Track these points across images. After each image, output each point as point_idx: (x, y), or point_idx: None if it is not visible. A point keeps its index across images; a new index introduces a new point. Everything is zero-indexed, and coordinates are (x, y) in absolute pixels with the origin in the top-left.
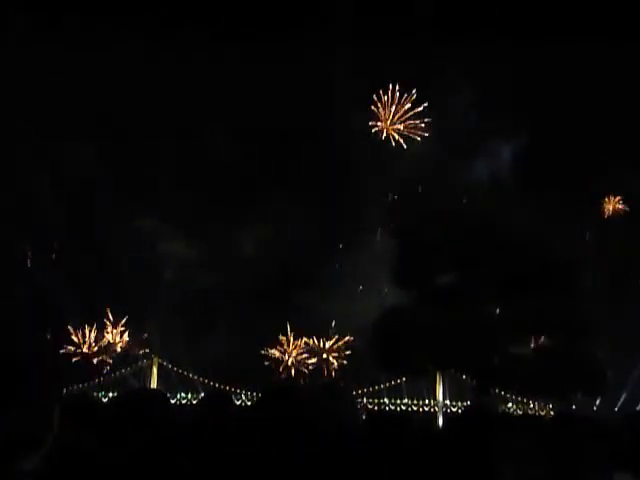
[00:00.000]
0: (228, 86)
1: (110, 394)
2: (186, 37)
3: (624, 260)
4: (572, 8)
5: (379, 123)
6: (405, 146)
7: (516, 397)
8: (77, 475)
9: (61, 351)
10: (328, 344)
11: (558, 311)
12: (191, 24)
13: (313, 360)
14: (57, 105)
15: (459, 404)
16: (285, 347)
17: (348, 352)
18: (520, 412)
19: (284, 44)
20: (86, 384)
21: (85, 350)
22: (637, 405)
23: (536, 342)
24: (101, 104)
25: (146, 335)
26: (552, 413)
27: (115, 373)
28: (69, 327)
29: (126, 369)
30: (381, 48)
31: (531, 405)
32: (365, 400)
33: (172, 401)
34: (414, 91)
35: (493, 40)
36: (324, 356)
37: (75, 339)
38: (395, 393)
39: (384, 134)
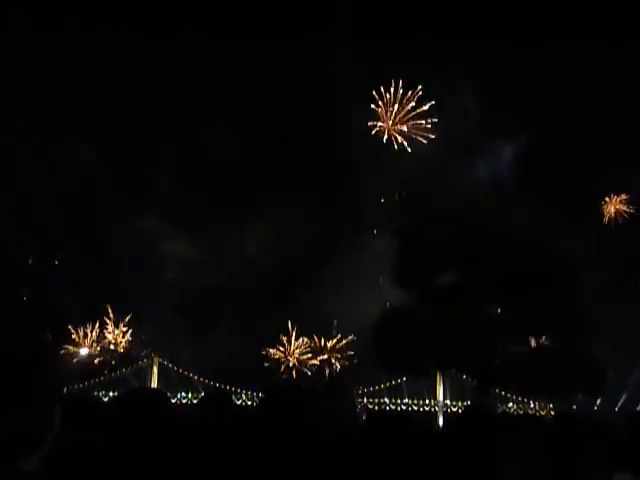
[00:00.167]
0: (228, 86)
1: (111, 394)
2: (186, 37)
3: (625, 260)
4: (572, 8)
5: (381, 123)
6: (409, 149)
7: (516, 397)
8: (77, 475)
9: (61, 351)
10: (329, 344)
11: (558, 311)
12: (191, 24)
13: (315, 361)
14: (57, 105)
15: (459, 404)
16: (286, 347)
17: (350, 353)
18: (521, 412)
19: (284, 44)
20: (87, 383)
21: (86, 350)
22: (638, 405)
23: (536, 342)
24: (101, 104)
25: (147, 335)
26: (552, 413)
27: (116, 372)
28: (69, 327)
29: (127, 369)
30: (381, 48)
31: (531, 405)
32: (365, 400)
33: (172, 401)
34: (419, 87)
35: (493, 40)
36: (325, 356)
37: (76, 339)
38: (395, 393)
39: (386, 135)
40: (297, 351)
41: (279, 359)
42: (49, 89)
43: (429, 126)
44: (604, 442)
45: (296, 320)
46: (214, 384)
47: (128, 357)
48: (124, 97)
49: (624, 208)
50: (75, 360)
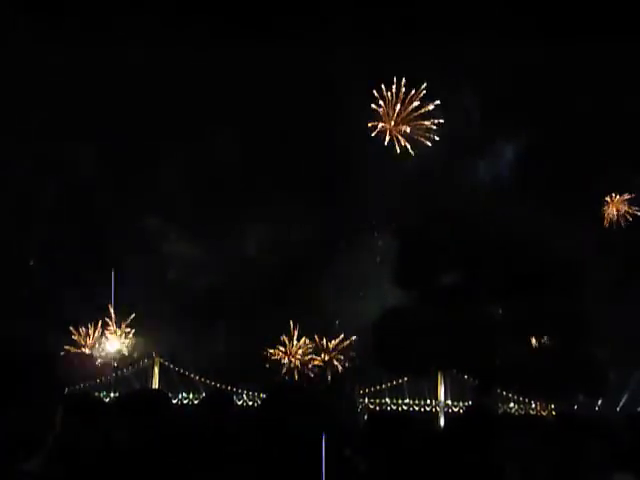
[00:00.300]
0: (229, 86)
1: (112, 394)
2: (186, 38)
3: (625, 260)
4: (572, 8)
5: (382, 124)
6: (413, 153)
7: (518, 397)
8: (78, 475)
9: (62, 352)
10: (331, 345)
11: (559, 311)
12: (191, 25)
13: (316, 362)
14: (58, 105)
15: (461, 404)
16: (287, 347)
17: (352, 354)
18: (522, 412)
19: (284, 44)
20: (88, 384)
21: (87, 350)
22: (639, 405)
23: (537, 342)
24: (102, 104)
25: (147, 335)
26: (554, 413)
27: (117, 373)
28: (70, 327)
29: (128, 369)
30: (381, 48)
31: (533, 405)
32: (367, 400)
33: (173, 401)
34: (424, 85)
35: (493, 40)
36: (326, 357)
37: (76, 339)
38: (397, 393)
39: (387, 136)
40: (299, 352)
41: (280, 359)
42: (49, 89)
43: (434, 127)
44: (605, 442)
45: (297, 320)
46: (215, 384)
47: (129, 357)
48: (125, 97)
49: (625, 208)
50: (75, 360)
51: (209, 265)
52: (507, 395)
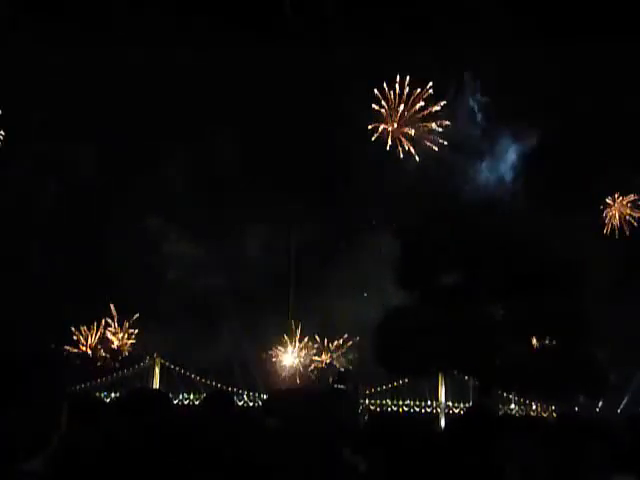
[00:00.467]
0: (230, 86)
1: (112, 394)
2: (187, 38)
3: (626, 260)
4: (572, 8)
5: (385, 126)
6: (417, 158)
7: (518, 398)
8: (80, 475)
9: (62, 352)
10: (332, 345)
11: (559, 311)
12: (191, 25)
13: (317, 362)
14: (58, 105)
15: (461, 405)
16: (288, 348)
17: (354, 355)
18: (522, 413)
19: (284, 44)
20: (88, 384)
21: (87, 350)
22: None
23: (538, 342)
24: (103, 104)
25: (148, 335)
26: (554, 414)
27: (117, 373)
28: (71, 327)
29: (128, 369)
30: (381, 48)
31: (533, 406)
32: (367, 401)
33: (174, 402)
34: (430, 84)
35: (495, 41)
36: (327, 358)
37: (77, 339)
38: (397, 394)
39: (389, 137)
40: (300, 352)
41: (281, 360)
42: (49, 89)
43: (440, 129)
44: (606, 444)
45: (298, 321)
46: (216, 385)
47: (130, 358)
48: (126, 97)
49: (628, 211)
50: (76, 361)
51: (209, 265)
52: (507, 396)
